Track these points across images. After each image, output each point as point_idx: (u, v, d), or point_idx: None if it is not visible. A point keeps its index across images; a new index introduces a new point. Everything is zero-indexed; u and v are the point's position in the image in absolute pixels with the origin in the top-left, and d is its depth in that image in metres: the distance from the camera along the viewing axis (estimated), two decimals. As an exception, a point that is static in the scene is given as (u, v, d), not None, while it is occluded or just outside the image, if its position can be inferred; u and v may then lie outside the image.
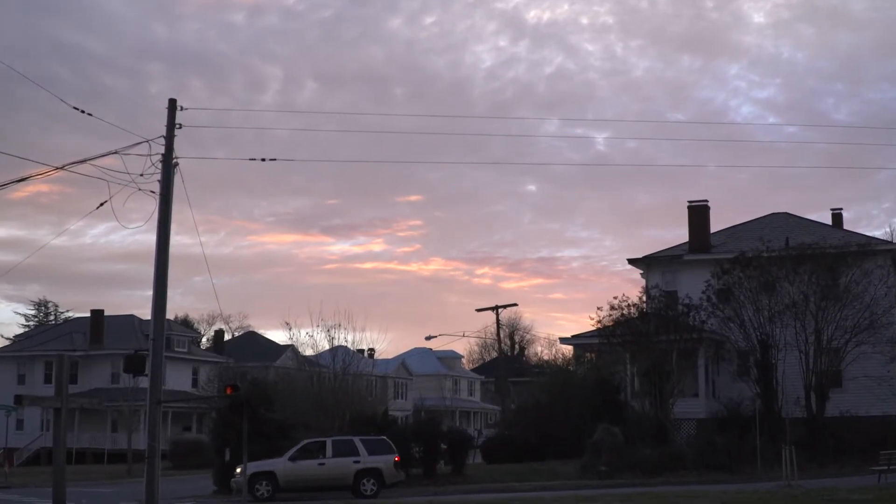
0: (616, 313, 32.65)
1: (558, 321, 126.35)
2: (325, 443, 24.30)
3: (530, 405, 38.46)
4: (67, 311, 75.60)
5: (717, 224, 38.95)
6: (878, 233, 77.27)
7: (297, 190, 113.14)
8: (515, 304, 58.69)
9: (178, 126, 17.62)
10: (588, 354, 36.35)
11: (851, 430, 30.71)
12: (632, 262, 38.95)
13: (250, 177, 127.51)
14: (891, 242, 37.01)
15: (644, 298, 33.52)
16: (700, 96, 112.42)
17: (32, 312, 79.88)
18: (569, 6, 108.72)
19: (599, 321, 32.83)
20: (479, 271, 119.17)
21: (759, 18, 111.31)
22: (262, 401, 25.30)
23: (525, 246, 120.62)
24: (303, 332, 47.78)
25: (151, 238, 17.64)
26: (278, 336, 69.13)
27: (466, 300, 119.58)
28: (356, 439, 24.42)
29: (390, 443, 24.52)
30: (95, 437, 51.95)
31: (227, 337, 71.55)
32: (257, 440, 23.42)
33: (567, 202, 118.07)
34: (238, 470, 22.53)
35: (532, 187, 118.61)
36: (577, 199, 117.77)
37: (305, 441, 24.68)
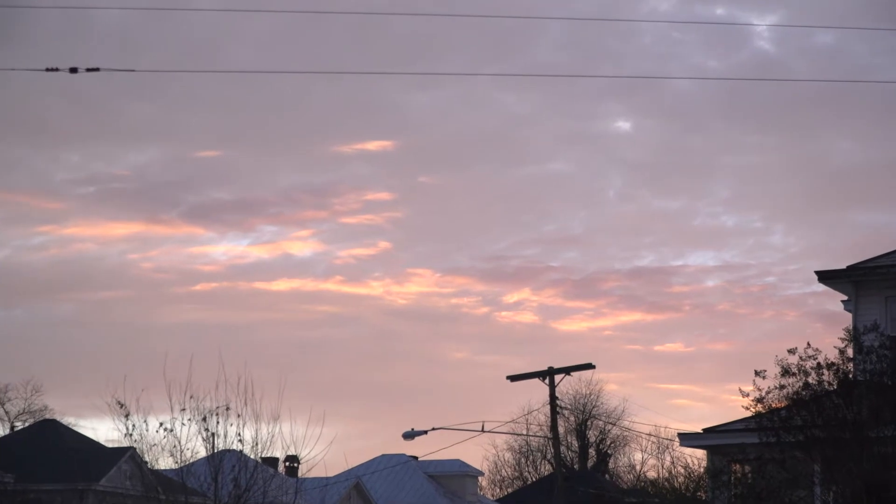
0: (793, 383, 28.34)
1: (675, 400, 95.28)
2: None
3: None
4: None
5: None
6: None
7: (136, 132, 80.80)
8: (590, 366, 44.64)
9: None
10: (737, 466, 31.92)
11: None
12: (824, 277, 34.14)
13: (48, 107, 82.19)
14: None
15: (849, 352, 29.20)
16: None
17: None
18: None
19: (759, 400, 28.65)
20: (512, 297, 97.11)
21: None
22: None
23: (606, 245, 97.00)
24: (154, 423, 34.69)
25: None
26: (105, 429, 53.58)
27: (486, 357, 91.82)
28: None
29: None
30: None
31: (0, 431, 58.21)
32: None
33: (691, 155, 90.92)
34: None
35: (623, 124, 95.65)
36: (714, 151, 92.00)
37: None
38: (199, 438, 29.66)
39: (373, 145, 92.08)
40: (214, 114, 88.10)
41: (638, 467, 68.94)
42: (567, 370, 40.65)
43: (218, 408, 29.06)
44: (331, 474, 45.46)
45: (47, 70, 22.38)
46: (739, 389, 35.88)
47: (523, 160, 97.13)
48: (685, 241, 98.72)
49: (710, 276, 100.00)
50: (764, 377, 28.49)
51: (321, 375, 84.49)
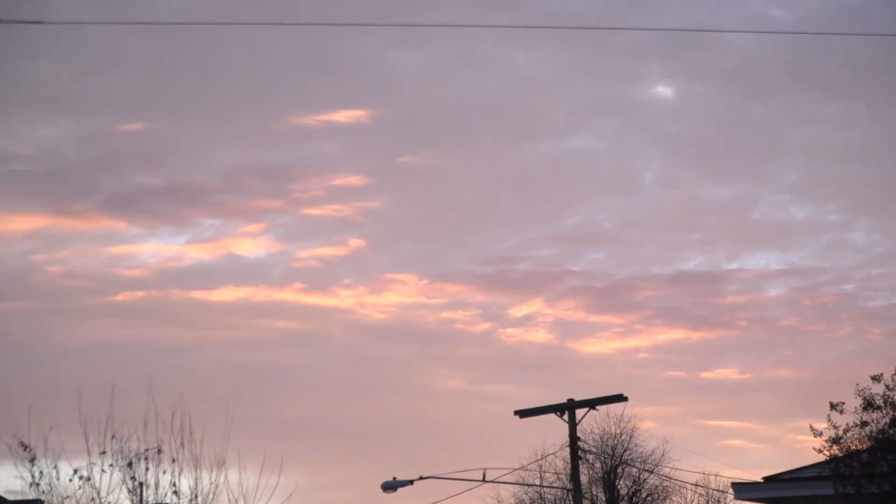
0: (878, 419, 29.66)
1: (728, 440, 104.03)
2: None
3: None
4: None
5: None
6: None
7: (42, 100, 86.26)
8: (620, 398, 44.92)
9: None
10: (808, 524, 33.88)
11: None
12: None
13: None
14: None
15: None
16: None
17: None
18: None
19: (835, 440, 29.86)
20: (521, 310, 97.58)
21: None
22: None
23: (641, 244, 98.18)
24: (66, 470, 35.71)
25: None
26: (5, 477, 54.75)
27: (488, 386, 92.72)
28: None
29: None
30: None
31: None
32: None
33: (750, 130, 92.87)
34: None
35: (665, 89, 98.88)
36: (779, 124, 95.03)
37: None
38: (124, 489, 29.07)
39: (343, 116, 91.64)
40: (142, 77, 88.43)
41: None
42: (591, 403, 40.93)
43: (147, 451, 28.53)
44: (290, 535, 47.14)
45: (-73, 19, 22.43)
46: (810, 427, 35.59)
47: (537, 135, 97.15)
48: (742, 238, 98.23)
49: (773, 282, 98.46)
50: (841, 411, 29.57)
51: (278, 410, 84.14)
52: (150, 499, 29.78)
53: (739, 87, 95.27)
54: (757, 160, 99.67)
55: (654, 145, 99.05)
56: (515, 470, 53.30)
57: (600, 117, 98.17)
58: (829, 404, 33.24)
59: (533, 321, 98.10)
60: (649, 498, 76.27)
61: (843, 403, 30.33)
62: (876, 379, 30.24)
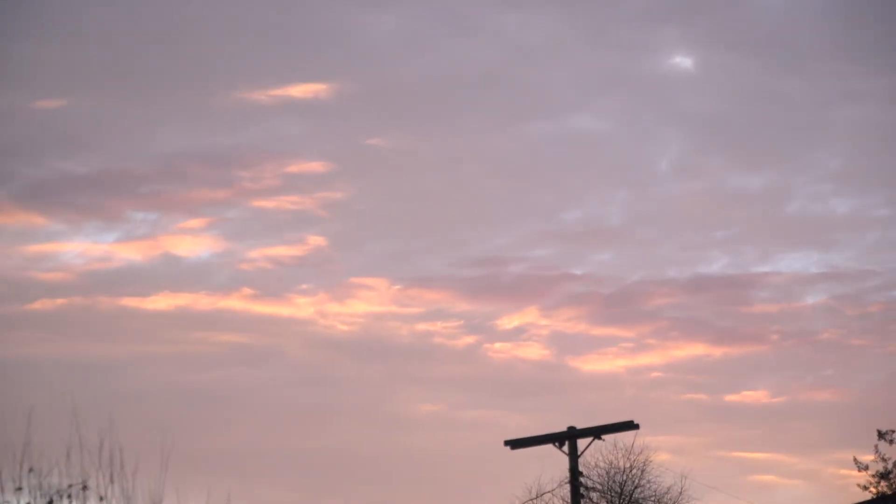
0: None
1: (758, 475, 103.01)
2: None
3: None
4: None
5: None
6: None
7: None
8: (630, 426, 45.19)
9: None
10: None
11: None
12: None
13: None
14: None
15: None
16: None
17: None
18: None
19: (884, 476, 30.09)
20: (512, 321, 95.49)
21: None
22: None
23: (655, 242, 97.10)
24: None
25: None
26: None
27: (472, 412, 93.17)
28: None
29: None
30: None
31: None
32: None
33: (784, 108, 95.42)
34: None
35: (684, 59, 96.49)
36: (819, 101, 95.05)
37: None
38: (42, 534, 27.57)
39: (301, 90, 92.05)
40: (62, 46, 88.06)
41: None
42: (596, 432, 41.09)
43: (71, 487, 26.61)
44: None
45: None
46: (854, 460, 35.67)
47: (532, 114, 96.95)
48: (774, 236, 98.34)
49: (811, 288, 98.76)
50: (891, 441, 29.96)
51: (224, 439, 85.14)
52: (75, 544, 28.62)
53: (772, 58, 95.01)
54: (792, 144, 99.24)
55: (671, 126, 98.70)
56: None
57: (607, 93, 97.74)
58: (876, 433, 32.91)
59: (526, 334, 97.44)
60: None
61: (895, 432, 30.32)
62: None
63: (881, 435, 29.82)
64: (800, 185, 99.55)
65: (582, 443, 40.73)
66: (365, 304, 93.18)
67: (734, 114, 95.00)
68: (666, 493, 73.79)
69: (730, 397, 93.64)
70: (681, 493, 74.58)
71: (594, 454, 56.60)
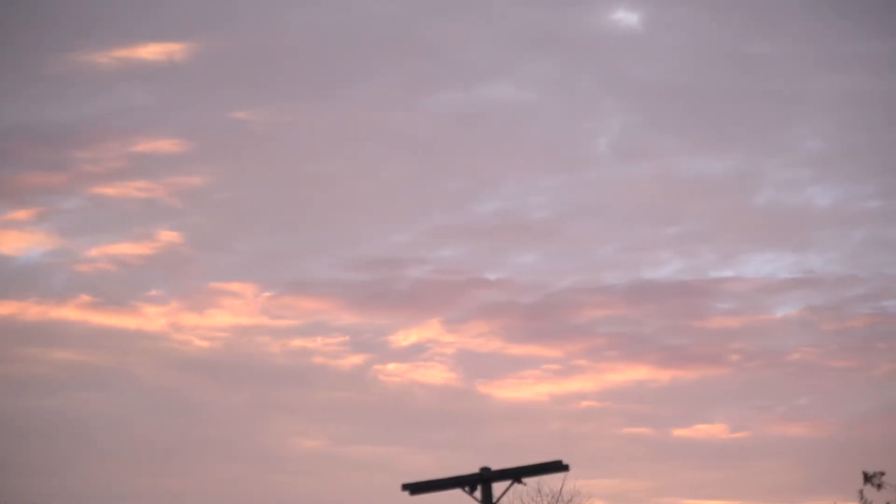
0: None
1: None
2: None
3: None
4: None
5: None
6: None
7: None
8: (559, 467, 45.11)
9: None
10: None
11: None
12: None
13: None
14: None
15: None
16: None
17: None
18: None
19: None
20: (409, 336, 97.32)
21: None
22: None
23: (589, 241, 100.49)
24: None
25: None
26: None
27: (361, 447, 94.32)
28: None
29: None
30: None
31: None
32: None
33: (750, 77, 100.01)
34: None
35: (628, 15, 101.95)
36: (793, 70, 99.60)
37: None
38: None
39: (151, 51, 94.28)
40: None
41: None
42: (515, 474, 41.03)
43: None
44: None
45: None
46: (834, 510, 36.05)
47: (440, 82, 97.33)
48: (738, 233, 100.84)
49: (782, 298, 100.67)
50: (880, 485, 30.45)
51: (59, 477, 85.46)
52: None
53: (738, 17, 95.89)
54: (762, 120, 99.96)
55: (613, 97, 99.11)
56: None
57: (534, 56, 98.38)
58: (862, 475, 33.47)
59: (427, 353, 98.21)
60: None
61: (884, 474, 30.22)
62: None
63: (867, 478, 30.13)
64: (771, 170, 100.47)
65: (498, 487, 40.85)
66: (229, 314, 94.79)
67: (690, 83, 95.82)
68: (602, 549, 74.64)
69: (680, 432, 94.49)
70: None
71: (513, 501, 56.76)
